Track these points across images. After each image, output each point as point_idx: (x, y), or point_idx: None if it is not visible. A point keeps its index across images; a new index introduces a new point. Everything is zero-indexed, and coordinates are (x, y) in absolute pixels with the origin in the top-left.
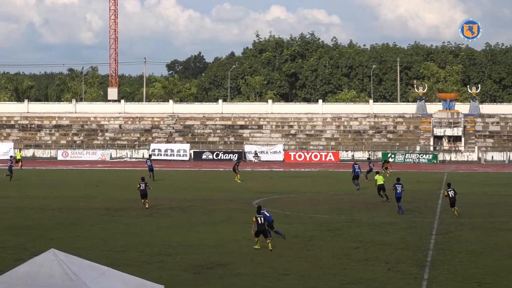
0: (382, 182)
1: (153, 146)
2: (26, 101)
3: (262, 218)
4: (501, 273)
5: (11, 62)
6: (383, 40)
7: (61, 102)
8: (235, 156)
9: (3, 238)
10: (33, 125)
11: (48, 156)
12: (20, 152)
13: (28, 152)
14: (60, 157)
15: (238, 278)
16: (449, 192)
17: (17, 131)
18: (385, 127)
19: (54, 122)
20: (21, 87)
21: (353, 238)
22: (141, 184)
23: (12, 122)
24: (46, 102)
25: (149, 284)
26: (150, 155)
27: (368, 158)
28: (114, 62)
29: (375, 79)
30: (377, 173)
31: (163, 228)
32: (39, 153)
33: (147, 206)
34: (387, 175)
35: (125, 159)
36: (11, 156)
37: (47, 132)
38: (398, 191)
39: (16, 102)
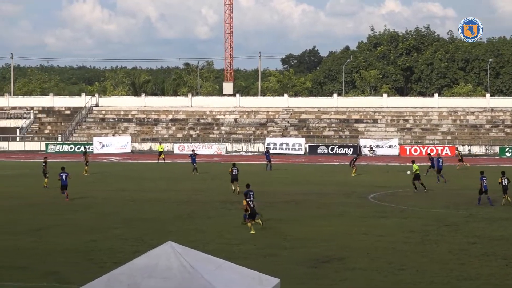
0: (418, 172)
1: (268, 140)
2: (143, 95)
3: (252, 202)
4: None
5: (129, 56)
6: (500, 33)
7: (177, 96)
8: (350, 150)
9: (122, 231)
10: (150, 119)
11: (165, 150)
12: (161, 145)
13: (145, 146)
14: (176, 151)
15: (354, 272)
16: (503, 180)
17: (134, 125)
18: (502, 121)
19: (170, 116)
20: (138, 82)
21: (470, 233)
22: (233, 169)
23: (130, 116)
24: (162, 96)
25: (265, 277)
26: (193, 150)
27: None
28: (229, 56)
29: (492, 72)
30: (413, 161)
31: (278, 222)
32: (156, 147)
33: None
34: (467, 166)
35: (240, 152)
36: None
37: (164, 126)
38: (485, 184)
39: (133, 97)
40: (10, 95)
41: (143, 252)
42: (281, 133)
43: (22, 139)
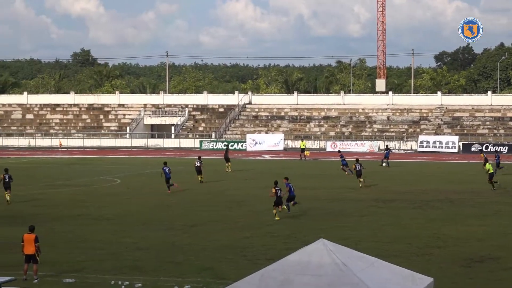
0: (492, 171)
1: (421, 138)
2: (295, 93)
3: (280, 191)
4: None
5: (281, 54)
6: None
7: (329, 94)
8: (505, 149)
9: (274, 228)
10: (303, 117)
11: (317, 147)
12: (303, 141)
13: (298, 143)
14: (328, 148)
15: (510, 272)
16: None
17: (287, 123)
18: None
19: (322, 114)
20: (290, 79)
21: None
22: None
23: (282, 114)
24: (315, 94)
25: (418, 276)
26: (338, 151)
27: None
28: (382, 54)
29: None
30: (487, 160)
31: (431, 220)
32: (308, 144)
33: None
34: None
35: (393, 150)
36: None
37: (316, 123)
38: None
39: (286, 94)
40: (166, 93)
41: (296, 249)
42: (434, 131)
43: (176, 136)
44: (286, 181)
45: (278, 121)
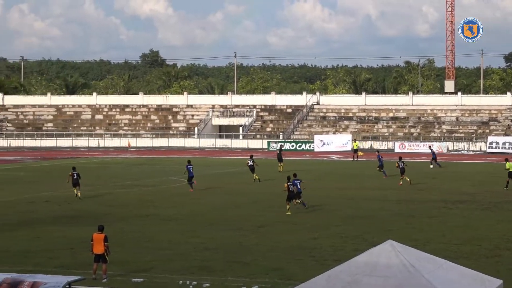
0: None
1: (490, 139)
2: (363, 93)
3: (292, 186)
4: None
5: (350, 55)
6: None
7: (398, 95)
8: None
9: (342, 228)
10: (371, 117)
11: (386, 148)
12: (356, 142)
13: (366, 144)
14: (397, 149)
15: None
16: None
17: (355, 123)
18: None
19: (391, 115)
20: (359, 80)
21: None
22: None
23: (350, 114)
24: (383, 95)
25: (487, 278)
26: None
27: None
28: (450, 54)
29: None
30: (506, 160)
31: (501, 222)
32: (376, 145)
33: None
34: None
35: (462, 151)
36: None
37: (384, 124)
38: None
39: (354, 95)
40: (234, 94)
41: (364, 250)
42: (503, 132)
43: (244, 137)
44: (295, 177)
45: (346, 122)
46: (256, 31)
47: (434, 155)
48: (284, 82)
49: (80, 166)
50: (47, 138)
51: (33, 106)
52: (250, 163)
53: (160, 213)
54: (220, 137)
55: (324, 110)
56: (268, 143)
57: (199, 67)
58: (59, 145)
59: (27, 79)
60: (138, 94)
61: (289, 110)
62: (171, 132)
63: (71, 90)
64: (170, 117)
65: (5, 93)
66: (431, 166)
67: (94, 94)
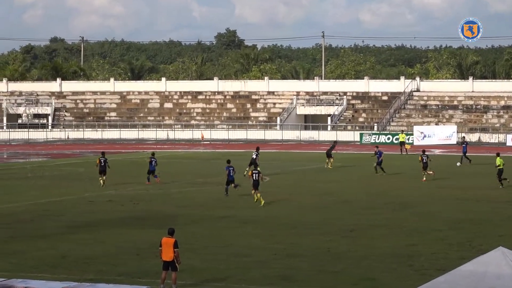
0: (501, 167)
1: None
2: (470, 78)
3: (256, 175)
4: None
5: (454, 34)
6: None
7: (510, 80)
8: None
9: (446, 233)
10: (479, 106)
11: (496, 141)
12: (403, 133)
13: (474, 137)
14: (509, 143)
15: None
16: None
17: (460, 113)
18: None
19: (502, 103)
20: (465, 63)
21: None
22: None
23: (455, 103)
24: (493, 80)
25: None
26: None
27: None
28: None
29: None
30: (498, 154)
31: None
32: (485, 137)
33: None
34: None
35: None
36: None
37: (494, 113)
38: None
39: (459, 80)
40: (321, 79)
41: (470, 258)
42: None
43: (333, 128)
44: (228, 164)
45: (450, 111)
46: (347, 7)
47: (465, 149)
48: (379, 65)
49: (146, 161)
50: (110, 129)
51: (94, 93)
52: (254, 156)
53: (236, 214)
54: (306, 128)
55: (425, 98)
56: (361, 135)
57: (281, 49)
58: (123, 137)
59: (87, 62)
60: (212, 79)
61: (385, 98)
62: (249, 122)
63: (136, 75)
64: (248, 105)
65: (63, 79)
66: (459, 164)
67: (163, 79)
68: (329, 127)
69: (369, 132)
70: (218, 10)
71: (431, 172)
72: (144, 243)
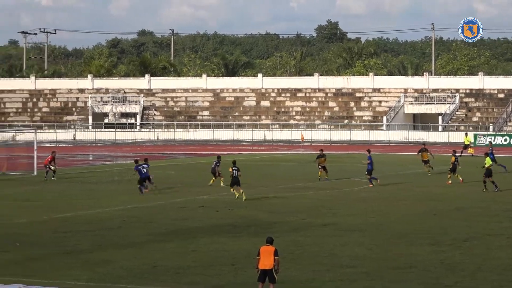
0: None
1: None
2: None
3: (236, 171)
4: None
5: None
6: None
7: None
8: None
9: None
10: None
11: None
12: (468, 136)
13: None
14: None
15: None
16: None
17: None
18: None
19: None
20: None
21: None
22: None
23: None
24: None
25: None
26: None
27: None
28: None
29: None
30: (487, 154)
31: None
32: None
33: None
34: None
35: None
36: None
37: None
38: None
39: None
40: (431, 75)
41: None
42: None
43: (445, 128)
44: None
45: None
46: None
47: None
48: (495, 60)
49: (242, 163)
50: (202, 129)
51: (185, 90)
52: (213, 165)
53: (340, 222)
54: (415, 128)
55: None
56: (475, 136)
57: (387, 42)
58: (217, 137)
59: (178, 57)
60: (312, 75)
61: (501, 96)
62: (353, 122)
63: (231, 71)
64: (352, 103)
65: (152, 75)
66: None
67: (259, 75)
68: (440, 128)
69: (484, 133)
70: (318, 1)
71: (460, 178)
72: (240, 252)
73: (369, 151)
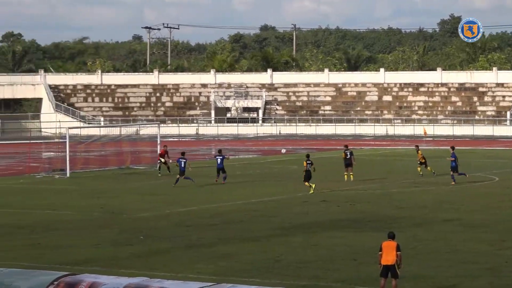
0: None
1: None
2: None
3: (309, 165)
4: None
5: None
6: None
7: None
8: None
9: None
10: None
11: None
12: None
13: None
14: None
15: None
16: None
17: None
18: None
19: None
20: None
21: None
22: None
23: None
24: None
25: None
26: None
27: None
28: None
29: None
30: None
31: None
32: None
33: None
34: None
35: None
36: None
37: None
38: None
39: None
40: None
41: None
42: None
43: None
44: (181, 155)
45: None
46: None
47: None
48: None
49: (363, 158)
50: (324, 124)
51: (308, 85)
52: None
53: (463, 217)
54: None
55: None
56: None
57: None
58: (339, 132)
59: (300, 52)
60: (435, 70)
61: None
62: (476, 117)
63: (353, 66)
64: (475, 98)
65: (274, 69)
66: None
67: (381, 70)
68: None
69: None
70: None
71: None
72: (361, 247)
73: (453, 148)
